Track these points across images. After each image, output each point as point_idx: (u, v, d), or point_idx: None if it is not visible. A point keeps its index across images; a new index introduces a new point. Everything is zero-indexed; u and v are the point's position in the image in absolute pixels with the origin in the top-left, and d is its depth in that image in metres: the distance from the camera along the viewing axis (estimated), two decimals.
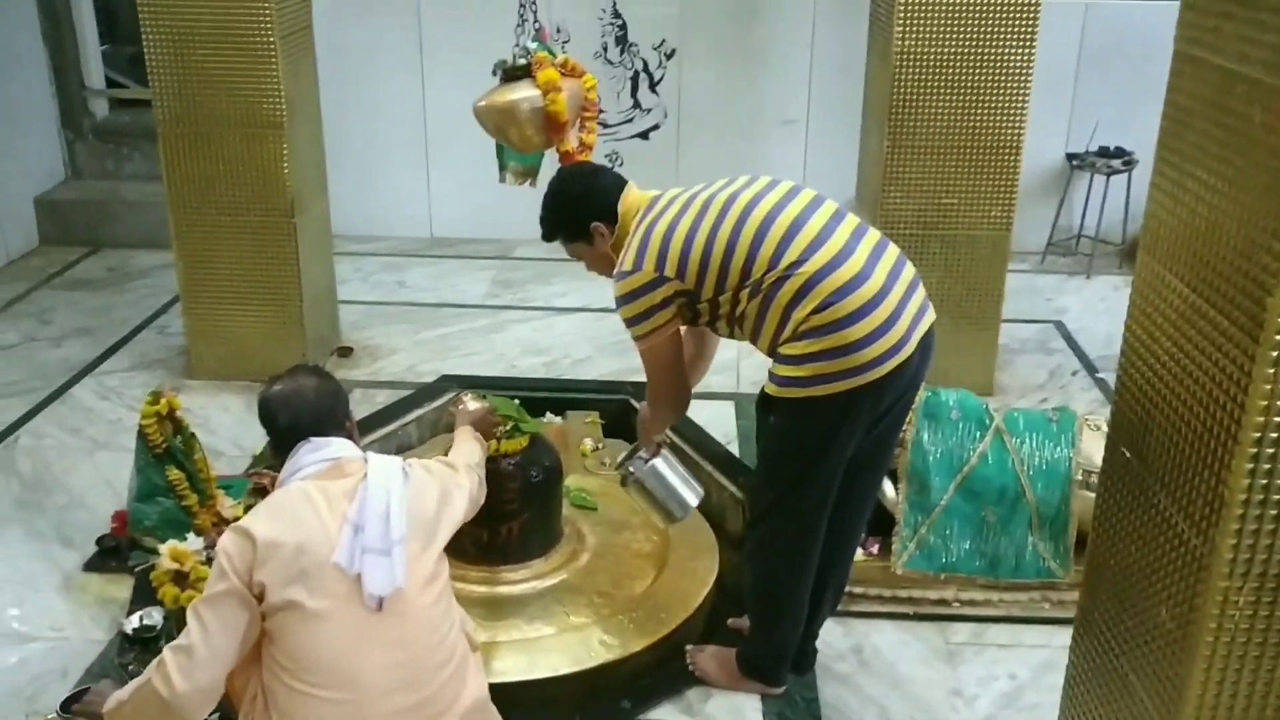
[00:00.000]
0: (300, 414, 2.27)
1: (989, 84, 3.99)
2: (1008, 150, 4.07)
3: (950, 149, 4.07)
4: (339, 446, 2.27)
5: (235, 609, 2.07)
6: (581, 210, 2.72)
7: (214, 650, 2.06)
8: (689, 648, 2.99)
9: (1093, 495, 3.01)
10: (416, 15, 5.79)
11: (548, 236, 2.82)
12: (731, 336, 2.69)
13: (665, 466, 2.91)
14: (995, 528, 3.29)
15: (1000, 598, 3.26)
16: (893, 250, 2.56)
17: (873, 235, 2.55)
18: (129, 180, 6.30)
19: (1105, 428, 3.20)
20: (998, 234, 4.18)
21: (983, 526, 3.30)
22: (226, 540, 2.12)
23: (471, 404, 2.98)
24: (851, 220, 2.56)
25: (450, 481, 2.41)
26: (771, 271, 2.46)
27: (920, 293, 2.56)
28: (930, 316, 2.57)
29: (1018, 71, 3.98)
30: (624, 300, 2.60)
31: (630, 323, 2.63)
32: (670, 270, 2.54)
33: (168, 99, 4.13)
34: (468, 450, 2.70)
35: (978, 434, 3.32)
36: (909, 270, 2.56)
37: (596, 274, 2.84)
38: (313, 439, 2.26)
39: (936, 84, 4.00)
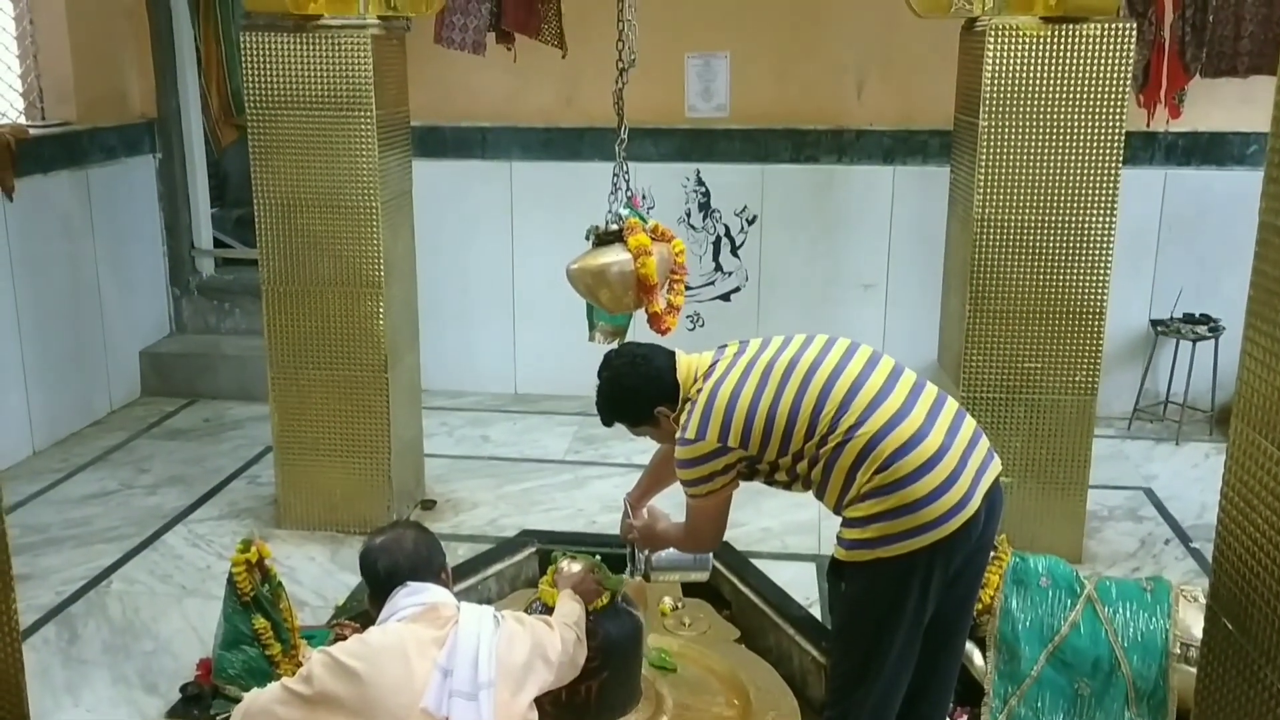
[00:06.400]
0: (399, 560, 2.40)
1: (1071, 250, 4.03)
2: (1091, 315, 4.08)
3: (1033, 313, 4.08)
4: (435, 593, 2.37)
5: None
6: (644, 400, 2.80)
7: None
8: None
9: (1192, 670, 2.92)
10: (509, 184, 6.06)
11: (608, 423, 2.90)
12: (789, 489, 2.72)
13: (668, 550, 3.20)
14: (1090, 701, 3.17)
15: None
16: (951, 405, 2.59)
17: (930, 391, 2.59)
18: (228, 335, 6.58)
19: (1202, 599, 3.12)
20: (1083, 399, 4.15)
21: (1076, 700, 3.18)
22: (320, 667, 2.19)
23: (572, 566, 3.03)
24: (909, 377, 2.61)
25: (543, 634, 2.47)
26: (832, 434, 2.50)
27: (983, 446, 2.56)
28: (995, 469, 2.56)
29: (1099, 238, 4.01)
30: (686, 465, 2.68)
31: (689, 484, 2.71)
32: (734, 440, 2.59)
33: (273, 259, 4.33)
34: (566, 610, 2.76)
35: (1069, 602, 3.23)
36: (969, 425, 2.57)
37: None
38: (410, 583, 2.36)
39: (1017, 250, 4.04)
